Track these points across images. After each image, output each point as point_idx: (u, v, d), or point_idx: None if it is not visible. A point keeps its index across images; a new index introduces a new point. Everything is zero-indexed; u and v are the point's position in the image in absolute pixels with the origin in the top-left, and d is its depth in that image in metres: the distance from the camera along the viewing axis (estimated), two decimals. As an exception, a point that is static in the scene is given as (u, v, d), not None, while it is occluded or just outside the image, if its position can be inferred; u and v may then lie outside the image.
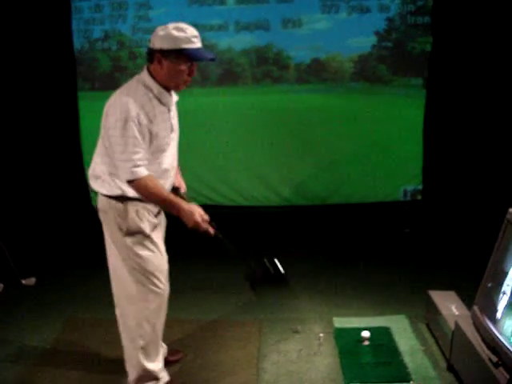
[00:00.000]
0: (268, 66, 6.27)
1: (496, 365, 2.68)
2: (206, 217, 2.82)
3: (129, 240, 2.86)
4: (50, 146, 6.36)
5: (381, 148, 6.35)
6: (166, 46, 2.65)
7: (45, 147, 6.35)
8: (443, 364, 3.38)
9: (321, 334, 3.71)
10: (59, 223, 6.12)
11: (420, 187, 6.45)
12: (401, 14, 6.06)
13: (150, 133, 2.69)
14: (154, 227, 2.93)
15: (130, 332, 3.03)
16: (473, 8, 5.71)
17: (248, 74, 6.29)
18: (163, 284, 2.98)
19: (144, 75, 2.76)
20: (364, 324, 3.87)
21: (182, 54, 2.66)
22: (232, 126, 6.33)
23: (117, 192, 2.81)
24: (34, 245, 5.54)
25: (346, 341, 3.68)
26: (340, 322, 3.94)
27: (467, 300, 3.49)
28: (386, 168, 6.39)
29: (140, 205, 2.84)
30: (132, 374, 3.09)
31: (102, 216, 2.97)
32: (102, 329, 3.91)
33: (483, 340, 2.89)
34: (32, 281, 4.69)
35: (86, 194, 6.61)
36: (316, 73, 6.30)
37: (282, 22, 6.15)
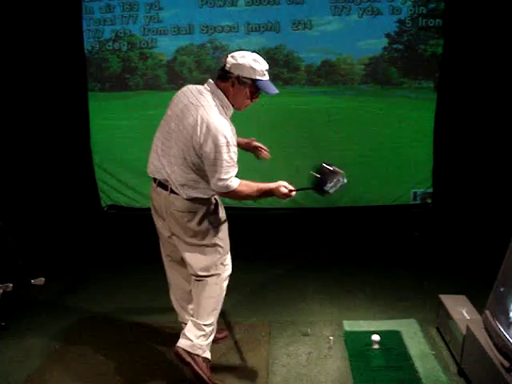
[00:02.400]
0: (278, 68, 6.27)
1: (508, 370, 2.66)
2: (291, 186, 3.27)
3: (217, 228, 3.24)
4: (60, 146, 6.38)
5: (391, 150, 6.34)
6: (244, 74, 3.00)
7: (55, 147, 6.37)
8: (454, 368, 3.36)
9: (331, 337, 3.69)
10: (68, 223, 6.13)
11: (430, 190, 6.43)
12: (412, 17, 6.05)
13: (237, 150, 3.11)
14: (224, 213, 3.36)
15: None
16: (484, 11, 5.69)
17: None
18: (230, 259, 3.42)
19: (220, 94, 3.08)
20: (374, 327, 3.85)
21: (253, 84, 3.03)
22: (241, 128, 6.28)
23: (210, 194, 3.15)
24: (43, 245, 5.55)
25: (356, 344, 3.67)
26: (350, 325, 3.92)
27: (478, 304, 3.47)
28: (396, 171, 6.38)
29: (220, 201, 3.31)
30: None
31: (186, 216, 3.15)
32: (111, 329, 3.91)
33: (495, 345, 2.87)
34: (41, 281, 4.68)
35: (95, 194, 6.63)
36: (326, 75, 6.30)
37: (292, 23, 6.15)
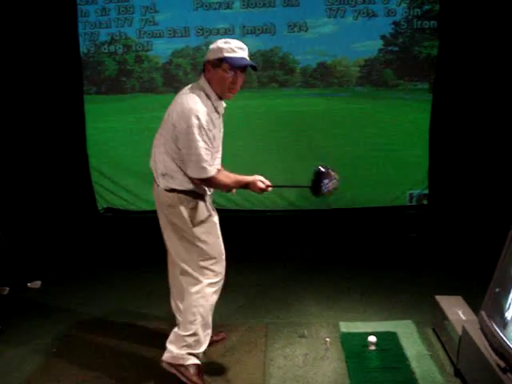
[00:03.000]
0: (274, 70, 6.28)
1: (504, 370, 2.66)
2: (268, 182, 3.22)
3: (198, 230, 3.15)
4: (56, 149, 6.38)
5: (387, 152, 6.36)
6: (211, 56, 3.00)
7: (51, 150, 6.37)
8: (450, 369, 3.36)
9: (327, 339, 3.69)
10: (65, 226, 6.13)
11: (426, 191, 6.44)
12: (407, 19, 6.07)
13: (213, 137, 3.03)
14: (213, 217, 3.26)
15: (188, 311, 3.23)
16: (479, 12, 5.71)
17: (254, 77, 6.29)
18: (223, 267, 3.29)
19: (204, 83, 3.06)
20: (370, 329, 3.85)
21: (224, 63, 2.96)
22: (237, 130, 6.31)
23: (189, 187, 3.09)
24: (40, 248, 5.55)
25: (353, 345, 3.67)
26: (346, 327, 3.92)
27: (474, 305, 3.47)
28: (392, 172, 6.39)
29: (207, 198, 3.23)
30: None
31: (166, 210, 3.16)
32: (107, 332, 3.90)
33: (491, 345, 2.87)
34: (37, 284, 4.69)
35: (91, 197, 6.63)
36: (322, 77, 6.31)
37: (287, 26, 6.17)
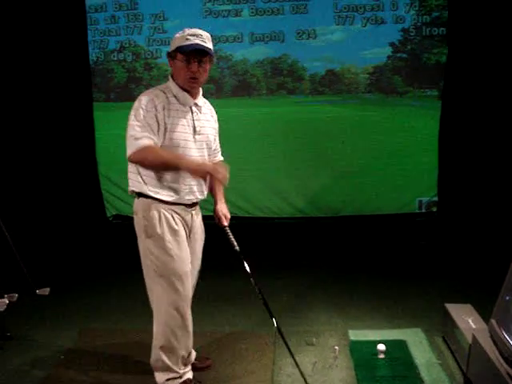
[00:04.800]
0: (282, 77, 6.29)
1: (514, 379, 2.64)
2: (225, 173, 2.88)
3: (150, 242, 3.02)
4: (65, 156, 6.40)
5: (396, 159, 6.34)
6: (170, 48, 2.96)
7: (60, 158, 6.40)
8: (460, 378, 3.34)
9: (336, 347, 3.67)
10: (74, 234, 6.14)
11: (435, 199, 6.41)
12: (416, 26, 6.06)
13: (160, 121, 2.86)
14: (175, 231, 3.00)
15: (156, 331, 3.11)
16: (488, 18, 5.70)
17: (263, 85, 6.30)
18: (182, 287, 3.03)
19: (169, 81, 3.03)
20: (379, 337, 3.83)
21: (178, 52, 2.91)
22: (246, 138, 6.34)
23: (141, 188, 2.96)
24: (49, 255, 5.56)
25: (362, 354, 3.65)
26: (355, 335, 3.91)
27: (484, 313, 3.45)
28: (401, 179, 6.37)
29: (165, 207, 2.98)
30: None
31: (134, 219, 3.10)
32: (115, 339, 3.90)
33: (501, 354, 2.85)
34: (46, 291, 4.69)
35: (100, 205, 6.64)
36: (331, 84, 6.31)
37: (296, 33, 6.17)
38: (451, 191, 6.24)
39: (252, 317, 4.23)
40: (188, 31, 2.91)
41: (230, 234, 3.18)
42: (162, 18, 6.23)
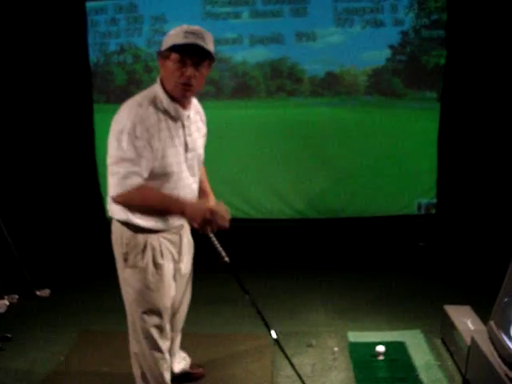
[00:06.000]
0: (282, 80, 6.29)
1: (513, 381, 2.65)
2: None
3: (130, 273, 2.72)
4: (65, 158, 6.40)
5: (395, 161, 6.34)
6: (163, 47, 2.51)
7: (60, 159, 6.39)
8: (459, 379, 3.35)
9: (335, 349, 3.69)
10: (74, 235, 6.14)
11: (434, 201, 6.41)
12: (415, 28, 6.07)
13: (150, 148, 2.44)
14: (159, 265, 2.71)
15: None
16: (487, 21, 5.71)
17: (262, 87, 6.31)
18: (161, 322, 2.83)
19: (156, 85, 2.60)
20: (379, 338, 3.85)
21: (172, 51, 2.46)
22: (245, 139, 6.34)
23: (125, 216, 2.63)
24: (48, 257, 5.57)
25: (361, 355, 3.66)
26: (354, 337, 3.92)
27: (483, 315, 3.46)
28: (400, 181, 6.37)
29: (151, 236, 2.67)
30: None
31: (112, 240, 2.84)
32: (115, 341, 3.90)
33: (500, 355, 2.86)
34: (46, 292, 4.71)
35: (100, 207, 6.63)
36: (330, 86, 6.31)
37: (296, 35, 6.17)
38: (450, 193, 6.24)
39: (250, 318, 4.22)
40: (186, 28, 2.47)
41: (217, 242, 2.66)
42: (162, 21, 6.22)
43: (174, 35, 2.46)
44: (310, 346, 3.81)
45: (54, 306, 4.53)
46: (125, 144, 2.41)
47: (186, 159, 2.67)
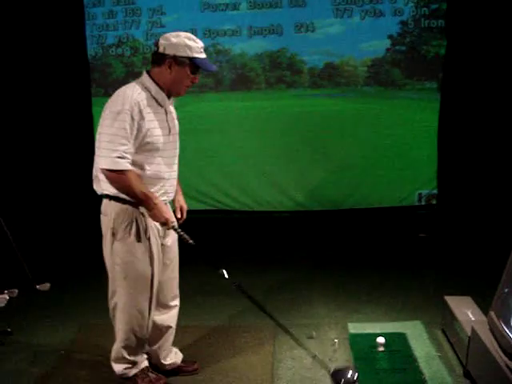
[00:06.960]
0: (281, 71, 6.27)
1: (513, 371, 2.65)
2: (174, 221, 2.97)
3: (117, 244, 2.96)
4: (63, 151, 6.40)
5: (395, 152, 6.33)
6: (180, 53, 2.78)
7: (59, 153, 6.39)
8: (459, 370, 3.34)
9: (335, 340, 3.68)
10: (73, 229, 6.14)
11: (435, 191, 6.41)
12: (414, 18, 6.05)
13: (141, 128, 2.75)
14: (144, 237, 2.94)
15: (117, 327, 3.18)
16: (487, 11, 5.69)
17: (261, 78, 6.29)
18: (147, 289, 3.04)
19: (143, 78, 2.88)
20: (379, 330, 3.84)
21: (191, 63, 2.80)
22: (245, 131, 6.33)
23: (112, 191, 2.85)
24: (48, 250, 5.57)
25: (361, 347, 3.65)
26: (355, 328, 3.91)
27: (483, 305, 3.45)
28: (401, 172, 6.37)
29: (137, 211, 2.90)
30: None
31: (102, 219, 3.06)
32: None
33: (500, 346, 2.85)
34: (46, 286, 4.71)
35: (99, 200, 6.62)
36: (329, 77, 6.30)
37: (295, 26, 6.15)
38: (451, 184, 6.23)
39: (251, 310, 4.22)
40: (199, 42, 2.82)
41: (180, 230, 2.96)
42: (159, 13, 6.21)
43: (193, 48, 2.78)
44: (311, 337, 3.80)
45: (54, 299, 4.52)
46: (122, 124, 2.69)
47: (169, 141, 2.96)
